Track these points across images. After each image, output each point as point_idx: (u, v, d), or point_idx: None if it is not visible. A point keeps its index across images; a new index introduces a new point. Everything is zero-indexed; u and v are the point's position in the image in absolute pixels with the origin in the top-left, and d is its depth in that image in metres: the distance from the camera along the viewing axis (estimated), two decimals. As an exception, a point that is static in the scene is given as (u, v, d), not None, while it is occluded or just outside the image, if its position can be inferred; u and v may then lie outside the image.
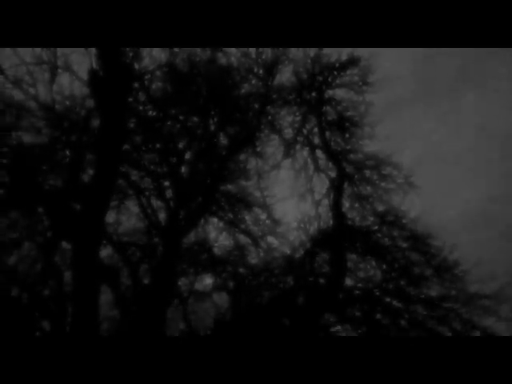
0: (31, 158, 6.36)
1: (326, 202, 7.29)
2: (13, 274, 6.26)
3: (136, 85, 6.68)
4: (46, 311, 6.33)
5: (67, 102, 6.62)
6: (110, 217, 6.80)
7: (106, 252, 6.79)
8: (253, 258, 7.28)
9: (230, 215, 7.39)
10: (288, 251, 7.19)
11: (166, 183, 7.13)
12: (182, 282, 7.05)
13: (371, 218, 7.18)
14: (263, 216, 7.30)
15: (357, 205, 7.19)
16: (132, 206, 7.06)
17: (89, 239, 6.30)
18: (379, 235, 7.05)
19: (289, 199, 7.22)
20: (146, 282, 6.87)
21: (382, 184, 7.16)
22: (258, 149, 7.13)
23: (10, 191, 6.28)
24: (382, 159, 7.18)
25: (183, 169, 7.17)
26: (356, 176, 7.30)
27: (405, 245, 6.93)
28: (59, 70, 6.56)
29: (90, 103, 6.60)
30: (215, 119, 7.08)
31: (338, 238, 6.97)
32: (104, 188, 6.49)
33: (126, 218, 6.99)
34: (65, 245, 6.64)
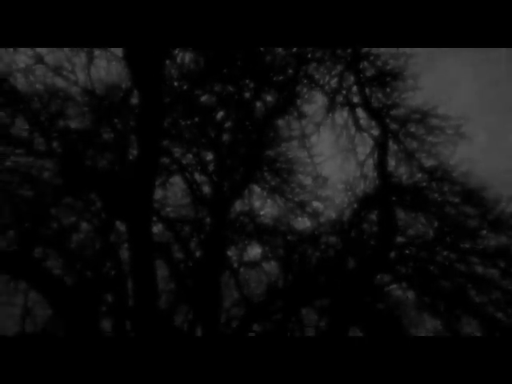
0: (79, 143, 6.49)
1: (370, 161, 7.07)
2: (75, 255, 6.61)
3: (168, 60, 6.26)
4: (108, 287, 6.67)
5: (106, 84, 6.63)
6: (157, 194, 6.63)
7: (156, 229, 7.01)
8: (299, 224, 7.07)
9: (274, 182, 7.11)
10: (335, 215, 7.01)
11: (208, 157, 6.80)
12: (232, 253, 6.82)
13: (419, 175, 7.02)
14: (308, 180, 7.07)
15: (403, 162, 6.99)
16: (177, 182, 6.74)
17: (141, 217, 6.44)
18: (428, 191, 6.91)
19: (331, 162, 7.00)
20: (197, 255, 6.53)
21: (429, 138, 6.98)
22: (296, 113, 6.77)
23: (64, 177, 6.38)
24: (427, 112, 6.97)
25: (223, 141, 6.81)
26: (400, 132, 7.08)
27: (456, 199, 6.82)
28: (95, 53, 6.15)
29: (128, 82, 6.32)
30: (251, 86, 6.69)
31: (385, 197, 6.82)
32: (149, 166, 6.60)
33: (172, 194, 6.69)
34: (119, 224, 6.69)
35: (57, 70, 6.58)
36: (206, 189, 7.10)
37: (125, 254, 6.81)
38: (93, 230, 6.87)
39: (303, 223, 7.37)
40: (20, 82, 6.39)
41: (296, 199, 7.44)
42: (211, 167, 7.12)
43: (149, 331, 6.65)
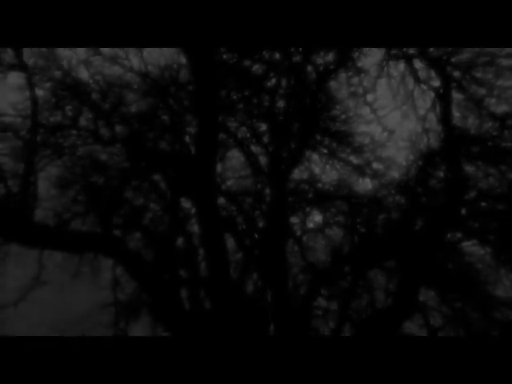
0: (140, 127, 6.86)
1: (432, 115, 6.59)
2: (149, 232, 7.10)
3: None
4: (182, 260, 7.08)
5: (159, 66, 6.46)
6: (217, 169, 7.10)
7: (220, 203, 7.23)
8: (361, 187, 6.85)
9: (332, 146, 6.90)
10: (398, 174, 6.68)
11: (262, 128, 6.74)
12: (295, 221, 6.79)
13: (488, 124, 6.44)
14: (367, 141, 6.77)
15: (469, 112, 6.44)
16: (235, 155, 6.77)
17: (206, 193, 6.77)
18: (501, 141, 6.33)
19: (391, 119, 6.63)
20: (261, 225, 7.16)
21: (499, 82, 6.31)
22: (351, 70, 6.44)
23: (130, 162, 6.87)
24: (495, 53, 6.26)
25: (277, 109, 6.69)
26: (464, 79, 6.47)
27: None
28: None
29: (181, 60, 6.47)
30: (300, 49, 6.45)
31: (452, 150, 6.36)
32: (209, 142, 6.91)
33: (231, 168, 6.74)
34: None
35: (113, 59, 6.75)
36: (264, 160, 7.05)
37: (194, 228, 7.15)
38: (162, 208, 7.16)
39: (365, 186, 7.14)
40: (82, 75, 6.69)
41: (356, 161, 7.18)
42: (267, 138, 7.04)
43: (222, 300, 6.92)
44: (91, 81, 6.73)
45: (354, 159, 7.33)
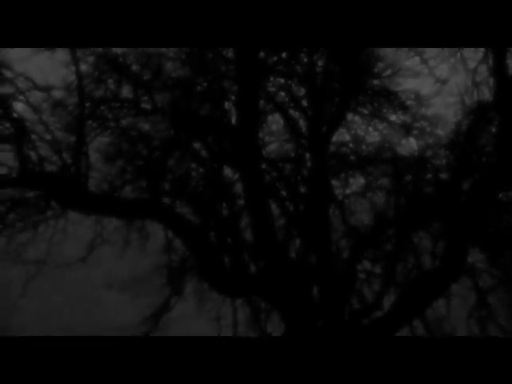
0: (181, 96, 6.98)
1: (483, 67, 6.10)
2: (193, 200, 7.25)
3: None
4: (227, 226, 7.23)
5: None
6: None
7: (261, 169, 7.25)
8: (405, 149, 6.56)
9: (374, 106, 6.60)
10: (446, 132, 6.32)
11: (301, 92, 6.53)
12: (336, 185, 6.65)
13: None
14: (412, 98, 6.41)
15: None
16: (274, 121, 6.64)
17: (249, 160, 6.86)
18: None
19: (438, 73, 6.21)
20: (302, 190, 7.21)
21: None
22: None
23: (172, 131, 7.04)
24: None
25: (316, 72, 6.46)
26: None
27: None
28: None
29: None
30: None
31: (505, 104, 5.89)
32: (250, 108, 6.91)
33: (270, 134, 6.63)
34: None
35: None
36: (304, 124, 6.89)
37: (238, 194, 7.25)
38: (205, 175, 7.16)
39: (410, 146, 6.84)
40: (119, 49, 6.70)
41: (400, 121, 6.87)
42: (305, 102, 6.85)
43: (267, 263, 7.05)
44: (129, 53, 6.75)
45: (397, 118, 7.01)
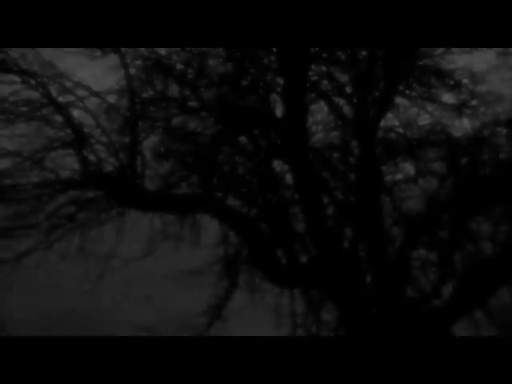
0: (225, 92, 7.11)
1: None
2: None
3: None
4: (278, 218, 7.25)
5: None
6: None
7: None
8: (459, 130, 6.23)
9: (423, 89, 6.32)
10: (502, 110, 5.93)
11: (344, 78, 6.45)
12: (385, 172, 6.44)
13: None
14: (464, 76, 6.05)
15: None
16: (317, 109, 6.54)
17: (297, 152, 6.88)
18: None
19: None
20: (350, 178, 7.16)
21: None
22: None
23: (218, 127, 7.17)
24: None
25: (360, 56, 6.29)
26: None
27: None
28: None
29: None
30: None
31: None
32: (297, 99, 6.89)
33: (315, 122, 6.56)
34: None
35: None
36: (349, 111, 6.74)
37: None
38: (254, 169, 7.27)
39: (464, 127, 6.47)
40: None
41: (452, 101, 6.52)
42: (350, 88, 6.69)
43: (319, 253, 7.00)
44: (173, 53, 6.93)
45: (450, 98, 6.65)
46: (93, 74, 7.11)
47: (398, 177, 6.98)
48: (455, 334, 6.24)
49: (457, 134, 6.69)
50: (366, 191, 6.81)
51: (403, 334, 6.08)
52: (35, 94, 6.99)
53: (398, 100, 6.93)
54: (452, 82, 6.58)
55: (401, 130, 6.92)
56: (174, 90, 7.10)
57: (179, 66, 7.02)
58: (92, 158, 7.17)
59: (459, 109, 6.65)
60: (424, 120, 6.91)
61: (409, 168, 6.97)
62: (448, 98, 6.73)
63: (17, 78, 6.96)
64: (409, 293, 6.68)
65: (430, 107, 6.86)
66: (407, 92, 6.88)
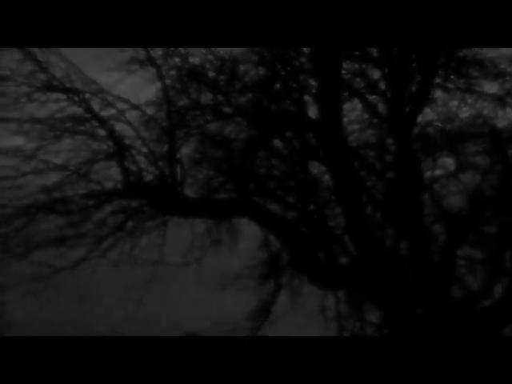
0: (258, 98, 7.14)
1: None
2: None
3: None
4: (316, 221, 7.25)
5: None
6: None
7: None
8: (502, 122, 5.93)
9: (462, 81, 6.07)
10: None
11: (376, 75, 6.29)
12: (424, 169, 6.25)
13: None
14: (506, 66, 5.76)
15: None
16: (350, 108, 6.42)
17: (334, 153, 6.81)
18: None
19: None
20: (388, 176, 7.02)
21: None
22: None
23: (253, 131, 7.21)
24: None
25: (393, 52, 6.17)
26: None
27: None
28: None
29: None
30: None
31: None
32: (332, 99, 6.84)
33: (349, 122, 6.45)
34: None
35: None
36: (384, 108, 6.58)
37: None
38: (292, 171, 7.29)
39: (508, 117, 6.15)
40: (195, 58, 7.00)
41: (493, 91, 6.21)
42: (383, 85, 6.53)
43: (360, 254, 6.90)
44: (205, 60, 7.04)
45: (491, 88, 6.33)
46: (131, 87, 7.38)
47: (438, 172, 6.75)
48: (507, 335, 5.93)
49: (500, 125, 6.37)
50: (405, 189, 6.63)
51: (450, 335, 5.84)
52: (79, 110, 7.34)
53: (436, 93, 6.71)
54: (494, 71, 6.25)
55: (439, 124, 6.68)
56: (207, 97, 7.25)
57: (211, 74, 7.15)
58: (133, 168, 7.43)
59: (502, 99, 6.32)
60: (464, 112, 6.64)
61: (449, 163, 6.72)
62: (490, 87, 6.43)
63: (62, 96, 7.34)
64: (455, 293, 6.42)
65: (470, 99, 6.57)
66: (445, 85, 6.63)
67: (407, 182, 6.63)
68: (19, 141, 7.18)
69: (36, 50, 6.94)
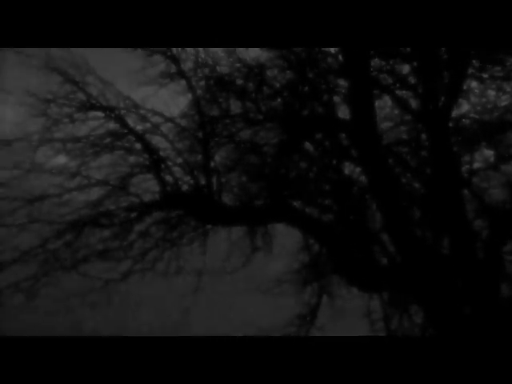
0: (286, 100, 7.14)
1: None
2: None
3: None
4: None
5: None
6: None
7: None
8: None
9: (498, 68, 5.83)
10: None
11: (405, 70, 6.16)
12: (461, 162, 6.04)
13: None
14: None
15: None
16: (379, 106, 6.33)
17: (369, 152, 6.64)
18: None
19: None
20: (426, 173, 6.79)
21: None
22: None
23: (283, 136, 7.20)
24: None
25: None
26: None
27: None
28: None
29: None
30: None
31: None
32: (363, 98, 6.68)
33: (380, 119, 6.36)
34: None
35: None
36: (415, 103, 6.41)
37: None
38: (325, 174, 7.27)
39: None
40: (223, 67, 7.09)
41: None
42: (413, 79, 6.36)
43: (401, 253, 6.76)
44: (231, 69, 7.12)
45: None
46: (163, 100, 7.57)
47: (477, 165, 6.48)
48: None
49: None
50: (443, 184, 6.40)
51: (500, 335, 5.57)
52: (116, 126, 7.60)
53: (471, 83, 6.45)
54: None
55: (476, 116, 6.41)
56: (237, 105, 7.32)
57: (239, 82, 7.22)
58: (170, 179, 7.60)
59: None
60: (503, 101, 6.34)
61: (488, 155, 6.43)
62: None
63: (99, 114, 7.63)
64: (504, 291, 6.12)
65: (508, 86, 6.27)
66: (479, 74, 6.37)
67: (445, 178, 6.41)
68: (63, 159, 7.54)
69: (72, 71, 7.27)
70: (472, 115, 6.49)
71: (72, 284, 7.25)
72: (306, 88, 7.09)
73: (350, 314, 7.63)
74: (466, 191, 6.43)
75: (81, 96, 7.39)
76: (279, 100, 7.10)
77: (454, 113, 6.46)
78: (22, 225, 7.13)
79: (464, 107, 6.50)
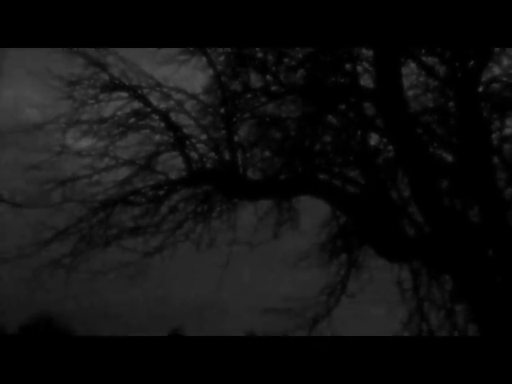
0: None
1: None
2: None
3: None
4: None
5: None
6: None
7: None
8: None
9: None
10: None
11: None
12: (492, 129, 5.84)
13: None
14: None
15: None
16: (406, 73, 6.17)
17: (396, 122, 6.51)
18: None
19: None
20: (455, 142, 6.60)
21: None
22: None
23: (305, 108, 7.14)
24: None
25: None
26: None
27: None
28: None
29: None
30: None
31: None
32: (390, 65, 6.47)
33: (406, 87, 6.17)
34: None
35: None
36: (442, 69, 6.16)
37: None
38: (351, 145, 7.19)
39: None
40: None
41: None
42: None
43: (432, 224, 6.64)
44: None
45: None
46: (185, 77, 7.54)
47: (508, 132, 6.22)
48: None
49: None
50: (472, 153, 6.21)
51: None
52: (140, 105, 7.65)
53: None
54: None
55: (507, 79, 6.11)
56: (258, 79, 7.21)
57: (259, 55, 7.09)
58: (195, 155, 7.65)
59: None
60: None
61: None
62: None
63: (123, 94, 7.69)
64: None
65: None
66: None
67: (475, 145, 6.21)
68: (90, 141, 7.68)
69: (95, 53, 7.32)
70: (503, 79, 6.22)
71: (108, 259, 7.49)
72: (328, 58, 6.92)
73: (379, 285, 7.61)
74: (496, 159, 6.23)
75: (104, 77, 7.49)
76: (300, 71, 6.98)
77: (484, 77, 6.22)
78: (57, 205, 7.39)
79: (495, 70, 6.23)
